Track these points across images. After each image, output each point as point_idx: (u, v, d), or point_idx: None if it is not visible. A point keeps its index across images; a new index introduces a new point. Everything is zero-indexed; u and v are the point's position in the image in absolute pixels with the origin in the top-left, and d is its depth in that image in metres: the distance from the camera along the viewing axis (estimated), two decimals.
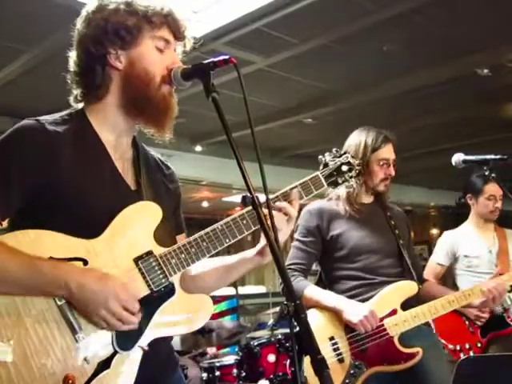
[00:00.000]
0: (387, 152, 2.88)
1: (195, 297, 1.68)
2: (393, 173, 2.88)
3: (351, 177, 1.95)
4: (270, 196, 1.71)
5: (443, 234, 4.07)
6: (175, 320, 1.62)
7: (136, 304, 1.52)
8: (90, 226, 1.54)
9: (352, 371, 2.63)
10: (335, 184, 1.93)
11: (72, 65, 1.70)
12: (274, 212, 1.61)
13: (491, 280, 3.07)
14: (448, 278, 4.02)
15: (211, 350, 4.92)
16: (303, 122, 7.34)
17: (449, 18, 4.65)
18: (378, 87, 6.10)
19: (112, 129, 1.71)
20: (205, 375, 4.17)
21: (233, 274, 1.85)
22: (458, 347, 3.44)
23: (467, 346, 3.47)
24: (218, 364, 4.23)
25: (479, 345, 3.44)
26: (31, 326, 1.44)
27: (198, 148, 8.27)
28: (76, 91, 1.72)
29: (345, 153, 1.99)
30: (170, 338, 1.77)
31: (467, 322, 3.47)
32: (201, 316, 1.65)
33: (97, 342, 1.49)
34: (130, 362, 1.53)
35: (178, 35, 1.73)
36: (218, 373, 4.16)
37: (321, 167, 1.92)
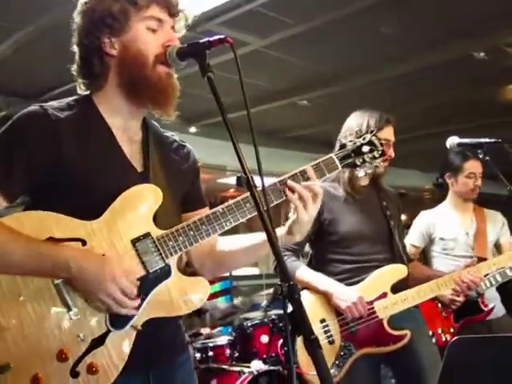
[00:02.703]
0: (388, 133, 2.87)
1: (192, 279, 1.69)
2: (392, 154, 2.86)
3: (374, 157, 1.82)
4: (286, 175, 1.71)
5: (420, 214, 3.94)
6: (170, 301, 1.63)
7: (134, 289, 1.54)
8: (93, 207, 1.57)
9: (342, 353, 2.67)
10: (353, 166, 1.82)
11: (75, 57, 1.73)
12: (300, 191, 1.65)
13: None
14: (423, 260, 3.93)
15: (205, 331, 4.95)
16: (298, 104, 7.32)
17: (446, 1, 4.63)
18: (373, 70, 6.08)
19: (118, 113, 1.72)
20: (198, 355, 4.19)
21: (261, 252, 1.82)
22: (430, 332, 3.43)
23: (440, 331, 3.44)
24: (211, 344, 4.25)
25: (452, 330, 3.43)
26: (29, 303, 1.49)
27: (193, 129, 8.25)
28: (80, 81, 1.74)
29: (367, 132, 1.87)
30: (177, 318, 1.76)
31: (440, 307, 3.43)
32: (197, 298, 1.65)
33: (91, 320, 1.52)
34: (123, 340, 1.55)
35: (172, 11, 1.71)
36: (211, 353, 4.18)
37: (337, 148, 1.84)
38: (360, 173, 1.87)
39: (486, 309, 3.45)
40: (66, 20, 1.72)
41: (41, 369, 1.46)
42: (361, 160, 1.81)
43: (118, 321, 1.54)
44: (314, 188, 1.69)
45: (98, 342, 1.52)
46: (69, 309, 1.51)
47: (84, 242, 1.55)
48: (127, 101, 1.71)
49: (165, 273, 1.61)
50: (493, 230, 3.80)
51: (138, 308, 1.55)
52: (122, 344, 1.55)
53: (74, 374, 1.48)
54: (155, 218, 1.64)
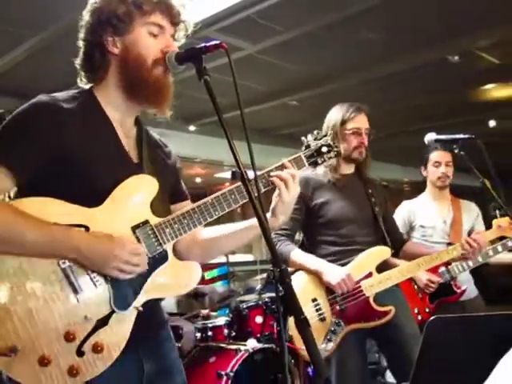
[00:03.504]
0: (358, 121, 2.87)
1: (186, 263, 1.71)
2: (365, 141, 2.86)
3: (330, 158, 1.96)
4: (266, 169, 1.79)
5: (402, 203, 3.97)
6: (167, 283, 1.64)
7: (140, 248, 1.56)
8: (93, 195, 1.56)
9: (332, 328, 2.70)
10: (315, 164, 1.95)
11: (80, 51, 1.72)
12: (281, 175, 1.75)
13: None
14: None
15: (204, 312, 4.95)
16: (288, 105, 7.31)
17: (422, 8, 4.63)
18: (357, 72, 6.08)
19: (116, 108, 1.71)
20: (198, 335, 4.19)
21: (243, 238, 1.87)
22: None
23: (416, 311, 3.44)
24: (210, 325, 4.25)
25: (427, 310, 3.44)
26: (37, 287, 1.47)
27: (192, 128, 8.23)
28: (82, 74, 1.73)
29: (325, 135, 1.99)
30: (160, 299, 1.79)
31: (417, 289, 3.44)
32: (190, 281, 1.68)
33: (96, 302, 1.52)
34: (126, 320, 1.56)
35: (174, 20, 1.71)
36: (210, 333, 4.17)
37: (303, 148, 1.93)
38: (320, 169, 1.99)
39: (458, 291, 3.46)
40: (76, 27, 1.71)
41: (48, 349, 1.45)
42: (322, 159, 1.94)
43: (122, 302, 1.55)
44: (292, 171, 1.80)
45: (103, 322, 1.52)
46: (75, 291, 1.50)
47: (87, 228, 1.54)
48: (125, 98, 1.70)
49: (162, 257, 1.63)
50: (468, 219, 3.82)
51: (139, 286, 1.57)
52: (123, 324, 1.55)
53: (80, 353, 1.48)
54: (151, 206, 1.65)
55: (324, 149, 1.95)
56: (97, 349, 1.49)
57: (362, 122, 2.89)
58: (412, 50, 5.48)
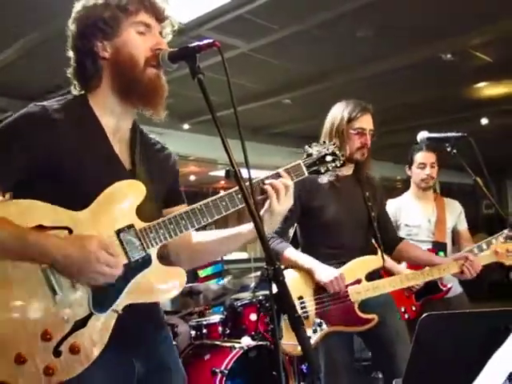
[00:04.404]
0: (364, 121, 2.82)
1: (170, 269, 1.68)
2: (368, 142, 2.82)
3: (335, 167, 1.87)
4: (261, 177, 1.73)
5: (387, 202, 3.79)
6: (149, 288, 1.62)
7: (117, 260, 1.52)
8: (82, 199, 1.56)
9: (314, 328, 2.70)
10: (317, 173, 1.86)
11: (71, 61, 1.72)
12: (274, 183, 1.69)
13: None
14: None
15: (199, 310, 4.95)
16: (282, 103, 7.31)
17: (416, 7, 4.63)
18: (350, 71, 6.08)
19: (111, 113, 1.71)
20: (193, 332, 4.20)
21: (230, 245, 1.85)
22: None
23: (403, 309, 3.46)
24: (205, 322, 4.26)
25: (414, 308, 3.45)
26: (17, 286, 1.48)
27: (186, 126, 8.21)
28: (75, 82, 1.73)
29: (331, 144, 1.90)
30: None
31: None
32: (173, 287, 1.65)
33: (75, 303, 1.52)
34: (105, 323, 1.54)
35: (159, 17, 1.71)
36: (205, 330, 4.19)
37: (304, 156, 1.85)
38: (323, 179, 1.91)
39: (444, 288, 3.49)
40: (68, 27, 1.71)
41: (25, 348, 1.45)
42: (325, 168, 1.85)
43: (100, 305, 1.54)
44: (286, 182, 1.72)
45: (81, 324, 1.51)
46: (54, 292, 1.50)
47: (70, 231, 1.53)
48: (119, 101, 1.69)
49: (145, 262, 1.60)
50: (451, 218, 3.83)
51: (118, 290, 1.55)
52: (102, 327, 1.54)
53: (57, 353, 1.48)
54: (139, 211, 1.62)
55: (328, 158, 1.87)
56: (74, 350, 1.49)
57: (367, 122, 2.84)
58: (405, 48, 5.49)
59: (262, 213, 1.74)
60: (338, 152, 1.87)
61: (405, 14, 4.76)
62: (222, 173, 10.42)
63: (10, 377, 1.44)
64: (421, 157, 3.75)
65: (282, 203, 1.70)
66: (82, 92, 1.73)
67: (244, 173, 1.45)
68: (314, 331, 2.69)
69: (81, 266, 1.48)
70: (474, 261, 2.88)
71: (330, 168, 1.86)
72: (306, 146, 1.88)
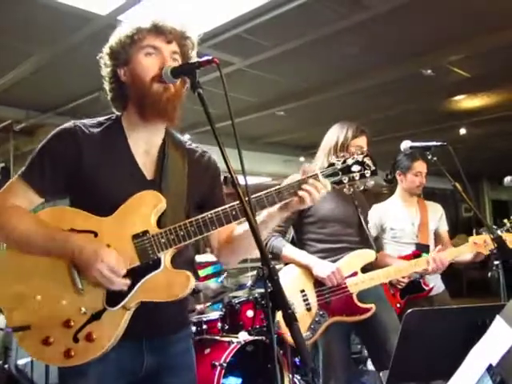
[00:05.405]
0: (363, 141, 2.92)
1: (178, 271, 1.68)
2: None
3: (363, 176, 1.69)
4: (291, 183, 1.69)
5: (372, 207, 3.78)
6: (156, 289, 1.65)
7: (121, 270, 1.59)
8: (107, 208, 1.66)
9: (317, 319, 2.73)
10: (338, 183, 1.71)
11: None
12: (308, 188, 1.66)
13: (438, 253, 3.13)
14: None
15: (199, 307, 4.93)
16: (276, 115, 7.31)
17: (398, 26, 4.66)
18: (338, 85, 6.09)
19: (137, 130, 1.77)
20: (194, 328, 4.18)
21: (262, 230, 1.76)
22: None
23: None
24: (204, 319, 4.24)
25: (398, 305, 3.46)
26: (47, 279, 1.66)
27: (187, 136, 8.22)
28: (111, 104, 1.83)
29: (361, 153, 1.71)
30: (182, 300, 1.71)
31: (389, 284, 3.43)
32: (179, 290, 1.66)
33: (92, 298, 1.64)
34: (117, 317, 1.62)
35: (168, 38, 1.72)
36: (205, 326, 4.18)
37: (325, 165, 1.72)
38: (348, 190, 1.74)
39: (427, 288, 3.49)
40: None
41: (51, 333, 1.62)
42: (347, 178, 1.70)
43: (112, 301, 1.61)
44: (318, 185, 1.67)
45: (96, 316, 1.62)
46: (76, 286, 1.63)
47: (96, 234, 1.66)
48: (140, 118, 1.74)
49: (155, 264, 1.65)
50: (433, 220, 3.83)
51: (129, 288, 1.61)
52: (114, 321, 1.62)
53: (76, 339, 1.61)
54: (162, 218, 1.68)
55: (355, 167, 1.70)
56: (89, 338, 1.60)
57: (363, 142, 2.92)
58: (389, 64, 5.51)
59: (283, 205, 1.72)
60: (368, 161, 1.70)
61: (389, 33, 4.79)
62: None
63: (38, 354, 1.64)
64: (419, 166, 3.75)
65: (314, 199, 1.68)
66: (119, 113, 1.82)
67: (241, 179, 1.45)
68: (317, 321, 2.71)
69: (88, 262, 1.59)
70: (443, 258, 3.07)
71: (357, 178, 1.69)
72: (324, 153, 1.76)
